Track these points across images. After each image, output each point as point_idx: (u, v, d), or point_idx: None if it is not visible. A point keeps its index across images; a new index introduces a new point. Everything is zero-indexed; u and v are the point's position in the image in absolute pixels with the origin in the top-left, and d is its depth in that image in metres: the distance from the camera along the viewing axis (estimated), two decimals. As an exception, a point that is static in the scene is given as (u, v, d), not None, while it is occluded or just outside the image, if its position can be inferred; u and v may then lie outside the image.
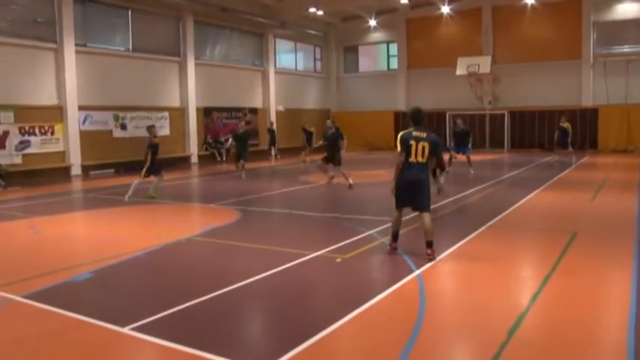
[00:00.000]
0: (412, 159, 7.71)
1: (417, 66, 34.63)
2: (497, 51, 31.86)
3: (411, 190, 7.87)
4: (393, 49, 36.23)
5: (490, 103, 31.88)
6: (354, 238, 9.12)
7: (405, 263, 7.51)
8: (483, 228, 9.84)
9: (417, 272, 7.02)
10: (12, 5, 21.14)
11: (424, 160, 7.76)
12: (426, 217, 7.81)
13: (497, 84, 31.68)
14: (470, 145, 18.97)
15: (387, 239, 8.67)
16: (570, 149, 22.78)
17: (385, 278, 7.15)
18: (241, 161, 19.64)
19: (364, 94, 36.54)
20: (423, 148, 7.69)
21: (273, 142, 29.12)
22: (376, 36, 36.59)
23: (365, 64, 38.14)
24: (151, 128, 14.87)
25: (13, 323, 5.78)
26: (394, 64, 36.25)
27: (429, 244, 7.67)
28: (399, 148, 7.80)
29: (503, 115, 31.34)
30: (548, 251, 8.23)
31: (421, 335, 5.08)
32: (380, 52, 37.74)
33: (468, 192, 14.45)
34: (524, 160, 24.47)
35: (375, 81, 36.63)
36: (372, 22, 34.83)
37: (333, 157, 16.18)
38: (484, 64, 30.67)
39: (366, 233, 9.50)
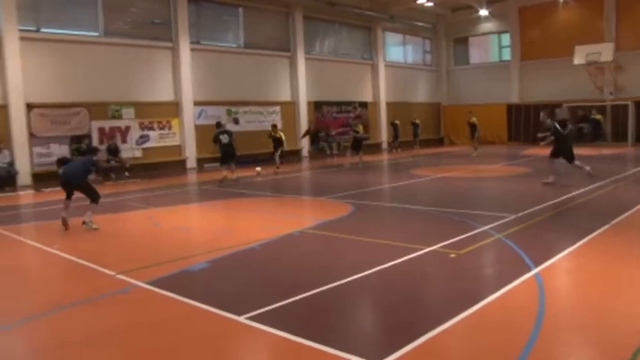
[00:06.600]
0: None
1: (530, 56, 33.22)
2: (621, 37, 29.84)
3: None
4: (505, 39, 34.97)
5: (612, 93, 30.01)
6: (469, 234, 8.83)
7: (522, 261, 7.15)
8: (607, 226, 9.18)
9: (536, 270, 6.65)
10: (131, 8, 22.28)
11: None
12: None
13: (620, 72, 29.80)
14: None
15: (502, 235, 8.35)
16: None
17: (502, 276, 6.80)
18: None
19: (475, 87, 35.57)
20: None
21: (396, 136, 30.95)
22: (487, 26, 35.44)
23: (476, 55, 37.08)
24: None
25: (136, 308, 6.05)
26: (506, 55, 34.97)
27: None
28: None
29: (626, 106, 29.38)
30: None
31: (541, 338, 4.77)
32: (491, 43, 36.55)
33: (588, 188, 13.59)
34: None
35: (487, 73, 35.52)
36: (483, 12, 33.67)
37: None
38: (605, 51, 28.83)
39: (481, 229, 9.16)
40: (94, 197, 10.56)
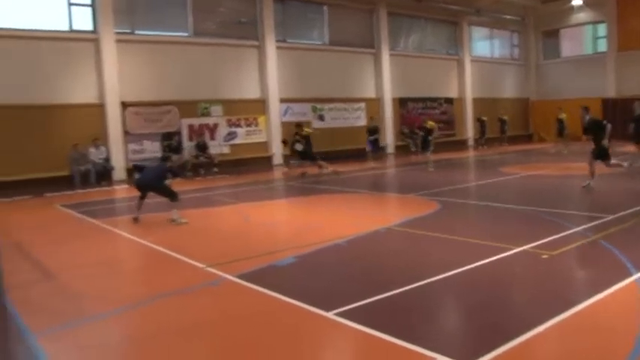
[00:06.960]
0: None
1: (629, 47, 31.38)
2: None
3: None
4: (601, 30, 33.35)
5: None
6: (562, 234, 8.45)
7: (622, 264, 6.76)
8: None
9: (638, 275, 6.26)
10: (219, 9, 22.83)
11: None
12: None
13: None
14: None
15: (599, 236, 7.95)
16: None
17: (599, 279, 6.44)
18: None
19: (566, 81, 34.07)
20: None
21: (483, 133, 30.30)
22: (580, 17, 33.89)
23: (567, 48, 35.52)
24: None
25: (226, 301, 6.17)
26: (602, 46, 33.35)
27: None
28: None
29: None
30: None
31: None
32: (584, 34, 34.98)
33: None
34: None
35: (579, 66, 33.95)
36: (577, 2, 32.26)
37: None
38: None
39: (575, 229, 8.76)
40: (172, 198, 10.85)
